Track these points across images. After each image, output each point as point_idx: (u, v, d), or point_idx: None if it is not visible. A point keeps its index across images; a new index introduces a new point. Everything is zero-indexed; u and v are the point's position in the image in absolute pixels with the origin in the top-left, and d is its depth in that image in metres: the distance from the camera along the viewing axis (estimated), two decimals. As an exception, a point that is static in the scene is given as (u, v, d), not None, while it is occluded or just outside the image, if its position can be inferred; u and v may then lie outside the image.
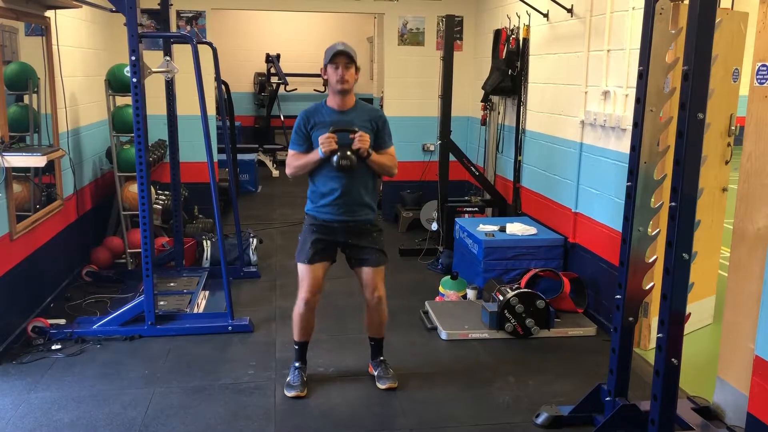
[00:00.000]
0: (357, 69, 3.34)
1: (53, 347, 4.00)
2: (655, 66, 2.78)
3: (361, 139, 3.29)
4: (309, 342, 3.62)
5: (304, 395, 3.47)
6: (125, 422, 3.21)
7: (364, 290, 3.51)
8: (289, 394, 3.47)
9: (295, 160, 3.40)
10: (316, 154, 3.31)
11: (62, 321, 4.30)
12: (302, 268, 3.44)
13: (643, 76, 2.80)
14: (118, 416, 3.26)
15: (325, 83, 3.42)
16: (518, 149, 5.80)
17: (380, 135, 3.43)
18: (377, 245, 3.48)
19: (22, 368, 3.75)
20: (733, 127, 4.12)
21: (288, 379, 3.56)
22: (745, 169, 3.08)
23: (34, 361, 3.83)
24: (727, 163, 4.22)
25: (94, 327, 4.19)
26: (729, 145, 4.17)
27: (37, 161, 3.95)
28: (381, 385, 3.56)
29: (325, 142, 3.26)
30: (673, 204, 2.52)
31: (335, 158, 3.27)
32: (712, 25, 2.41)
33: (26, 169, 4.36)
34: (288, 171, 3.45)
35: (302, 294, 3.46)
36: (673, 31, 2.76)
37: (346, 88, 3.31)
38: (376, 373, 3.63)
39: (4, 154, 3.73)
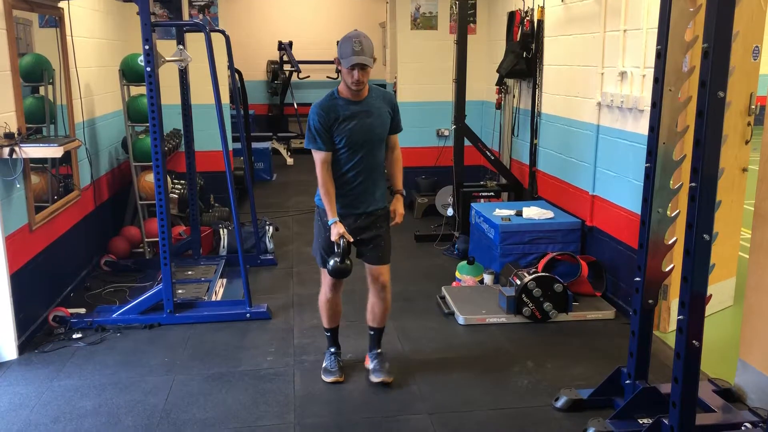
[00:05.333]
0: (373, 61, 3.15)
1: (74, 336, 4.05)
2: (673, 45, 2.74)
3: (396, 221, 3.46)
4: (339, 327, 3.62)
5: (342, 380, 3.48)
6: (147, 409, 3.24)
7: (367, 276, 3.49)
8: (328, 379, 3.48)
9: (323, 171, 3.23)
10: (328, 223, 3.22)
11: (82, 310, 4.35)
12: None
13: (661, 56, 2.76)
14: (140, 403, 3.30)
15: (338, 70, 3.34)
16: (534, 132, 5.76)
17: (395, 119, 3.38)
18: (383, 241, 3.40)
19: (44, 357, 3.80)
20: (753, 106, 4.06)
21: (324, 364, 3.56)
22: (767, 148, 3.03)
23: (56, 350, 3.88)
24: (747, 142, 4.16)
25: (114, 316, 4.23)
26: (749, 124, 4.11)
27: (54, 152, 3.97)
28: (374, 379, 3.47)
29: (336, 237, 3.18)
30: (693, 185, 2.48)
31: (332, 263, 3.18)
32: (732, 0, 2.36)
33: (43, 160, 4.39)
34: (320, 183, 3.26)
35: (326, 280, 3.44)
36: (691, 9, 2.71)
37: (360, 89, 3.18)
38: (371, 366, 3.54)
39: (21, 145, 3.75)
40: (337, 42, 3.27)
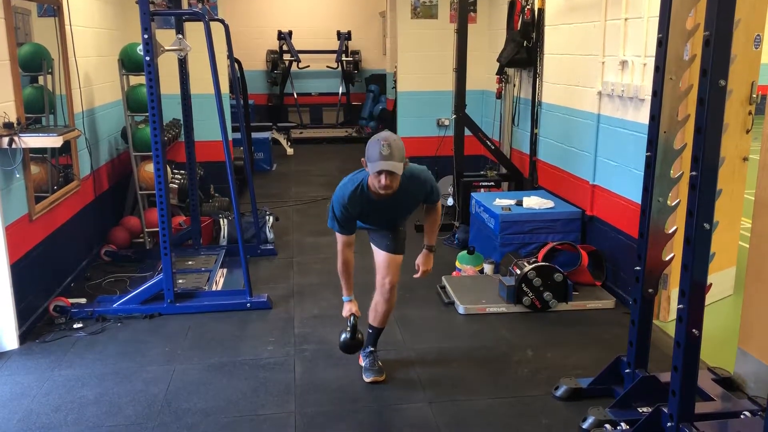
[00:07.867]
0: (405, 164, 2.97)
1: (75, 326, 4.05)
2: (674, 33, 2.72)
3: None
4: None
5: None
6: (148, 399, 3.25)
7: (377, 273, 3.41)
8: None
9: (345, 250, 3.22)
10: (343, 299, 3.29)
11: (83, 300, 4.36)
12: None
13: (662, 44, 2.75)
14: (141, 393, 3.31)
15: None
16: (534, 122, 5.74)
17: (429, 199, 3.31)
18: (398, 237, 3.37)
19: (45, 346, 3.81)
20: (754, 95, 4.04)
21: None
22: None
23: (57, 340, 3.89)
24: (748, 132, 4.15)
25: (115, 306, 4.24)
26: (750, 113, 4.10)
27: (54, 142, 3.96)
28: (366, 378, 3.41)
29: (347, 314, 3.26)
30: (694, 173, 2.47)
31: (342, 337, 3.27)
32: (734, -12, 2.34)
33: (43, 150, 4.38)
34: (339, 259, 3.24)
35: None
36: (693, -3, 2.69)
37: (389, 194, 3.00)
38: (363, 365, 3.48)
39: (21, 135, 3.74)
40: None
